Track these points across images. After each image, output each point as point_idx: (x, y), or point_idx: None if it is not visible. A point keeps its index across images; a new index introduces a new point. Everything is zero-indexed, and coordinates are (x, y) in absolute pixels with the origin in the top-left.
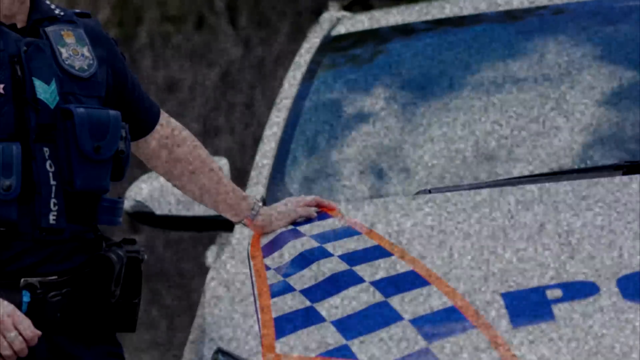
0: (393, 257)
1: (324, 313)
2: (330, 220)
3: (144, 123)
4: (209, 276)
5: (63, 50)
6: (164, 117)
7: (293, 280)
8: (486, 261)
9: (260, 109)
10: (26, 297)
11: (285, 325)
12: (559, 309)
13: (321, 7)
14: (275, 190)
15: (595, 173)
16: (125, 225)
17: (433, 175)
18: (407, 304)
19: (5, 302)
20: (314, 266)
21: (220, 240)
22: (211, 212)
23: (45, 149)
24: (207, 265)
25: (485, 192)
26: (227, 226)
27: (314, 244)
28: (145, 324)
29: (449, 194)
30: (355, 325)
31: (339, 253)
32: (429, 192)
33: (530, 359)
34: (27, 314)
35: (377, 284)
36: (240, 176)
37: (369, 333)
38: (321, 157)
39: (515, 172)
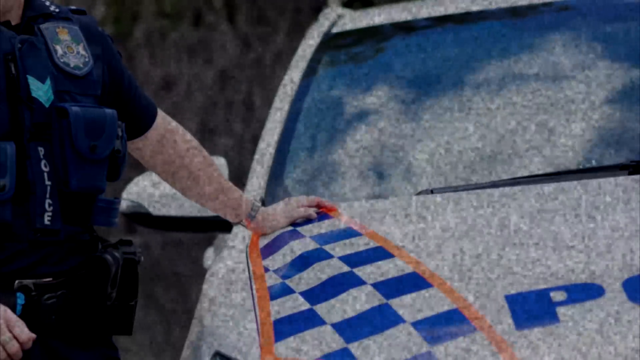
0: (394, 259)
1: (324, 315)
2: (330, 221)
3: (141, 122)
4: (206, 278)
5: (58, 47)
6: (160, 115)
7: (292, 282)
8: (489, 263)
9: (259, 107)
10: (20, 300)
11: (285, 328)
12: (563, 312)
13: (321, 4)
14: (274, 190)
15: (601, 173)
16: (122, 226)
17: (435, 175)
18: (408, 306)
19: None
20: (313, 268)
21: (219, 241)
22: (209, 213)
23: (40, 148)
24: (205, 267)
25: (488, 192)
26: (226, 227)
27: (314, 245)
28: (142, 326)
29: (451, 194)
30: (355, 328)
31: (339, 254)
32: (431, 192)
33: None
34: (21, 316)
35: (378, 286)
36: (239, 176)
37: (370, 336)
38: (321, 156)
39: (519, 173)
